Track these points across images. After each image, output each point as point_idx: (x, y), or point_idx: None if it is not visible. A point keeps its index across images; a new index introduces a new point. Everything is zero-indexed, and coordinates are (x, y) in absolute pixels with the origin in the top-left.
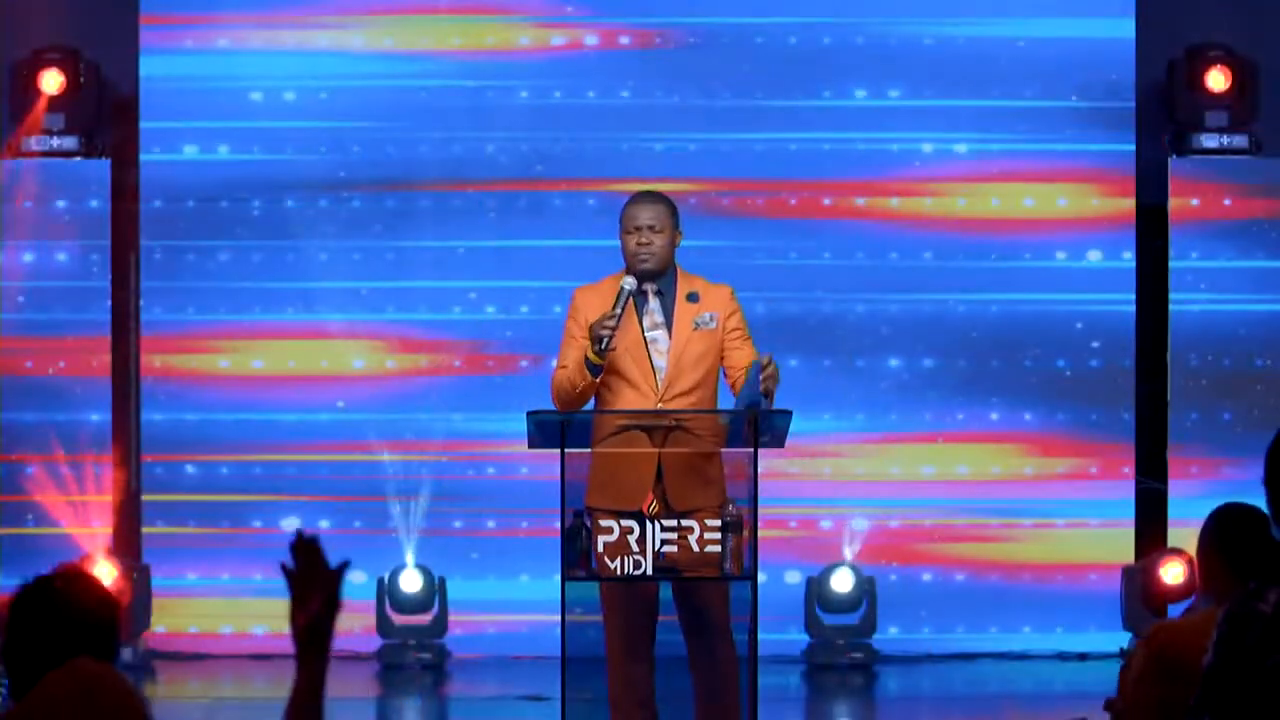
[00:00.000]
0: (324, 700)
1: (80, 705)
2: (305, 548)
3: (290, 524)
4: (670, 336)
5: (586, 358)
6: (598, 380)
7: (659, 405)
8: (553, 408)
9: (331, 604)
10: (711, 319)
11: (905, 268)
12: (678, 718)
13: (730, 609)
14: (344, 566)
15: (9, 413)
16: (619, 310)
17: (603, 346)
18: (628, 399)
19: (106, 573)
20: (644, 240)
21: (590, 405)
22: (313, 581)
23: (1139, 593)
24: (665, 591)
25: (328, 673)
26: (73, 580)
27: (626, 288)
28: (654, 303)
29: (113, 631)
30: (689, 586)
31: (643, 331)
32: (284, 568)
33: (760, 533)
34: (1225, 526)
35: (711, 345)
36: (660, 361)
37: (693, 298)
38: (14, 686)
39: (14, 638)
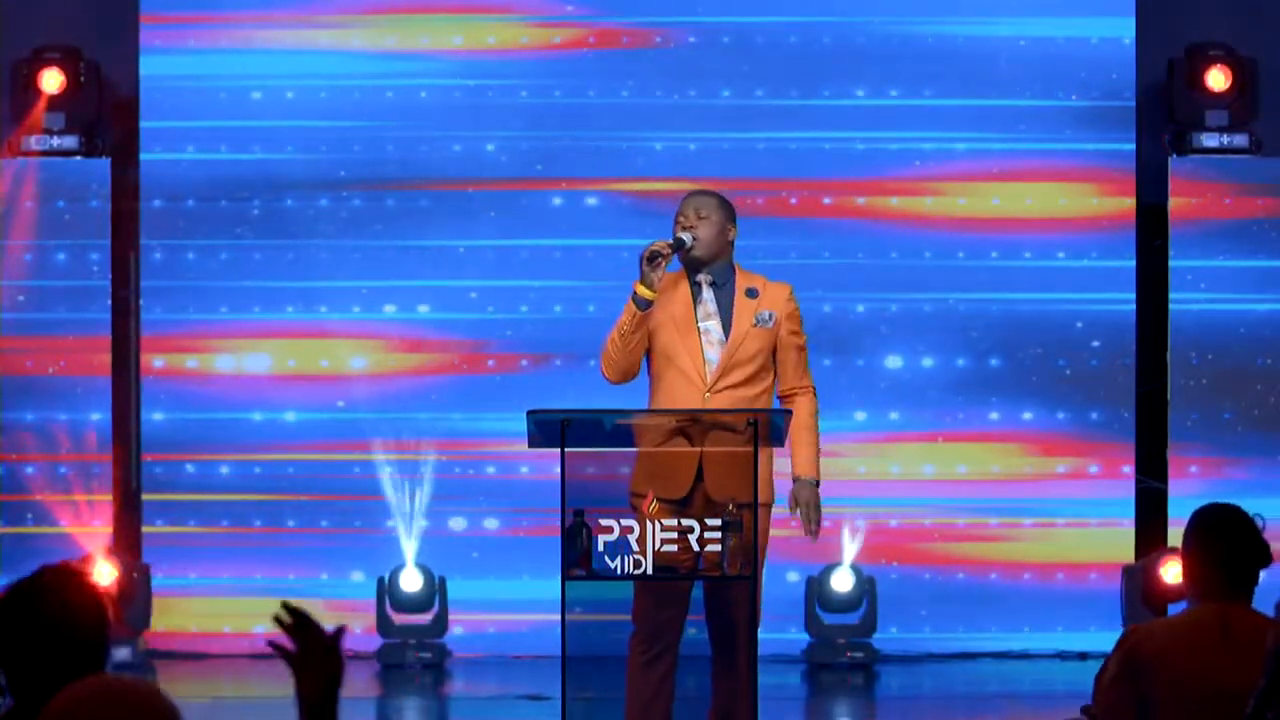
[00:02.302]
0: None
1: (113, 712)
2: (297, 623)
3: (293, 523)
4: (724, 329)
5: (634, 292)
6: (645, 314)
7: (706, 395)
8: (553, 407)
9: (334, 681)
10: (770, 317)
11: (905, 268)
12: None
13: (754, 612)
14: (340, 633)
15: (9, 413)
16: (671, 243)
17: (673, 249)
18: (677, 386)
19: (107, 573)
20: (689, 224)
21: (610, 405)
22: (312, 658)
23: (1139, 592)
24: (698, 590)
25: None
26: (54, 587)
27: (684, 239)
28: (708, 293)
29: (100, 643)
30: (719, 586)
31: (696, 321)
32: (277, 648)
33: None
34: (1208, 527)
35: (767, 343)
36: (711, 353)
37: (752, 293)
38: (18, 703)
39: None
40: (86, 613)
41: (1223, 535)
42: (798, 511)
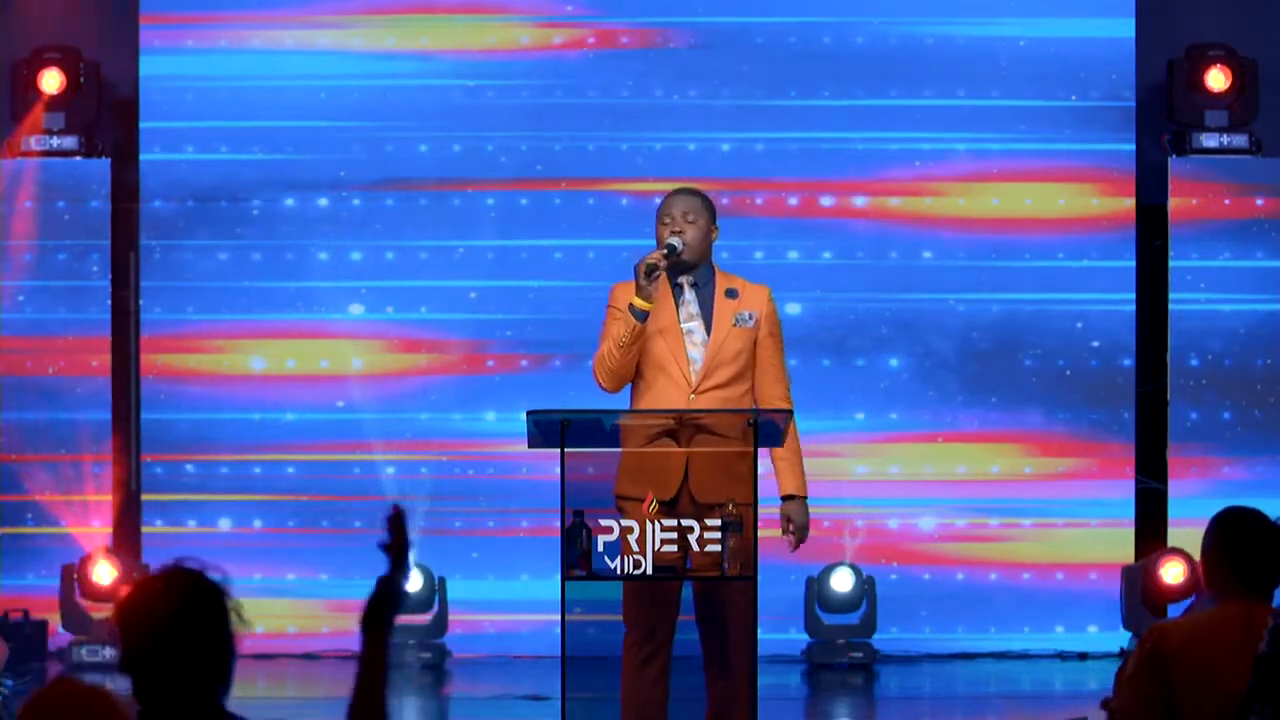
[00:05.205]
0: (385, 683)
1: None
2: (395, 522)
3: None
4: (706, 329)
5: (631, 304)
6: (643, 325)
7: (691, 396)
8: (553, 407)
9: (386, 587)
10: (750, 317)
11: (905, 268)
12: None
13: (753, 612)
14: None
15: (9, 413)
16: (666, 253)
17: (668, 258)
18: (663, 388)
19: (106, 573)
20: (677, 228)
21: (617, 403)
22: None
23: (1139, 592)
24: (688, 590)
25: (386, 656)
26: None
27: (675, 245)
28: (689, 294)
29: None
30: (710, 587)
31: (679, 323)
32: (383, 547)
33: (760, 533)
34: (1230, 530)
35: (748, 343)
36: (695, 353)
37: (732, 294)
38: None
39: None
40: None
41: (1247, 536)
42: (790, 528)
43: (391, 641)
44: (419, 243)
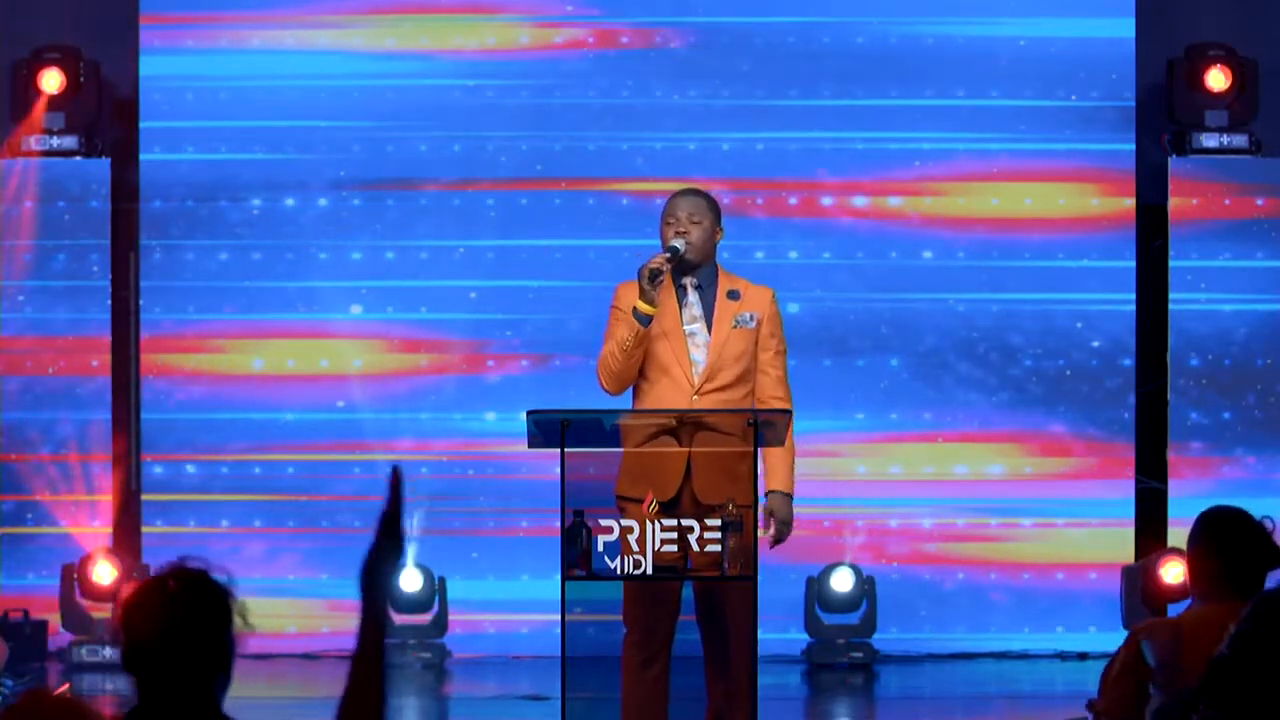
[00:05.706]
0: (382, 667)
1: None
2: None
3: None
4: (709, 331)
5: (635, 308)
6: (647, 329)
7: (694, 398)
8: (553, 407)
9: (378, 548)
10: (752, 319)
11: (905, 267)
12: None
13: (753, 612)
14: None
15: (9, 413)
16: (669, 257)
17: (671, 261)
18: (664, 389)
19: (106, 573)
20: (681, 229)
21: (617, 403)
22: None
23: (1139, 592)
24: (688, 590)
25: (383, 619)
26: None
27: (678, 247)
28: (693, 296)
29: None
30: (710, 587)
31: (682, 325)
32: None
33: (760, 533)
34: (1215, 529)
35: (750, 344)
36: (697, 355)
37: (734, 295)
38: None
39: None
40: (214, 613)
41: (1229, 537)
42: (772, 522)
43: (387, 602)
44: (419, 243)
